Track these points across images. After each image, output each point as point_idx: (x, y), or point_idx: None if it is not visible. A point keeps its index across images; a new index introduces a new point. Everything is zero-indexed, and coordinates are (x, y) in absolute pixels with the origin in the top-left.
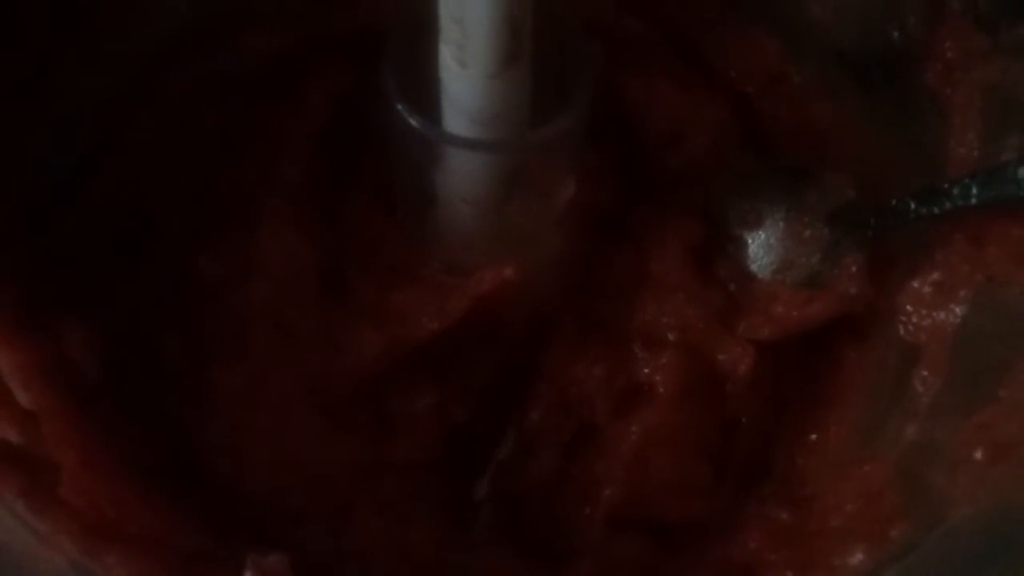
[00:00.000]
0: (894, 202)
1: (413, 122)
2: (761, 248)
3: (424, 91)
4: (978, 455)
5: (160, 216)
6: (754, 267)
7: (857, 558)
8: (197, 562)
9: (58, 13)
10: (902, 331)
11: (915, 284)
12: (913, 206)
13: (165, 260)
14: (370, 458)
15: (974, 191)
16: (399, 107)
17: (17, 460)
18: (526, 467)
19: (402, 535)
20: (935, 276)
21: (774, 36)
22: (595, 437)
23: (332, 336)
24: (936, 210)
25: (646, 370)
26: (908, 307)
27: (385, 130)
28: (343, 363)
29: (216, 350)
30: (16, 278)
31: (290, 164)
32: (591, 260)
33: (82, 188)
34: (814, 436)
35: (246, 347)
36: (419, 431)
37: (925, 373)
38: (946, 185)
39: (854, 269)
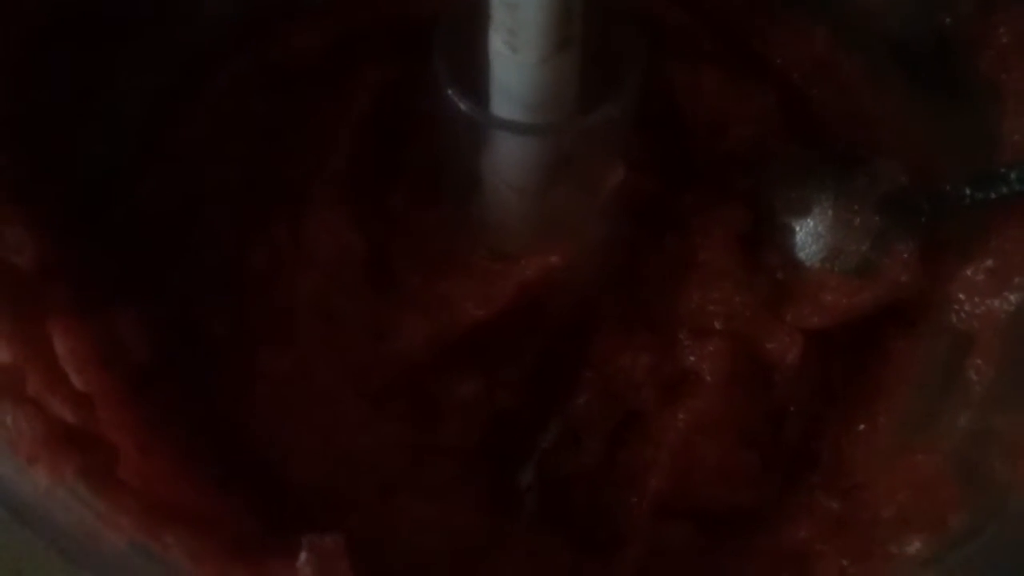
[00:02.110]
0: (948, 187)
1: (463, 106)
2: (809, 236)
3: (473, 78)
4: None
5: (210, 207)
6: (802, 255)
7: (915, 546)
8: (252, 543)
9: (110, 12)
10: (954, 319)
11: (968, 272)
12: (968, 191)
13: (214, 250)
14: (415, 444)
15: None
16: (449, 92)
17: (75, 440)
18: (572, 455)
19: (447, 520)
20: (988, 263)
21: (822, 23)
22: (641, 425)
23: (378, 323)
24: (992, 195)
25: (692, 358)
26: (960, 295)
27: (432, 118)
28: (388, 350)
29: (263, 338)
30: (72, 267)
31: (337, 154)
32: (636, 247)
33: (135, 180)
34: (862, 426)
35: (293, 335)
36: (464, 417)
37: (979, 362)
38: (1003, 170)
39: (905, 256)
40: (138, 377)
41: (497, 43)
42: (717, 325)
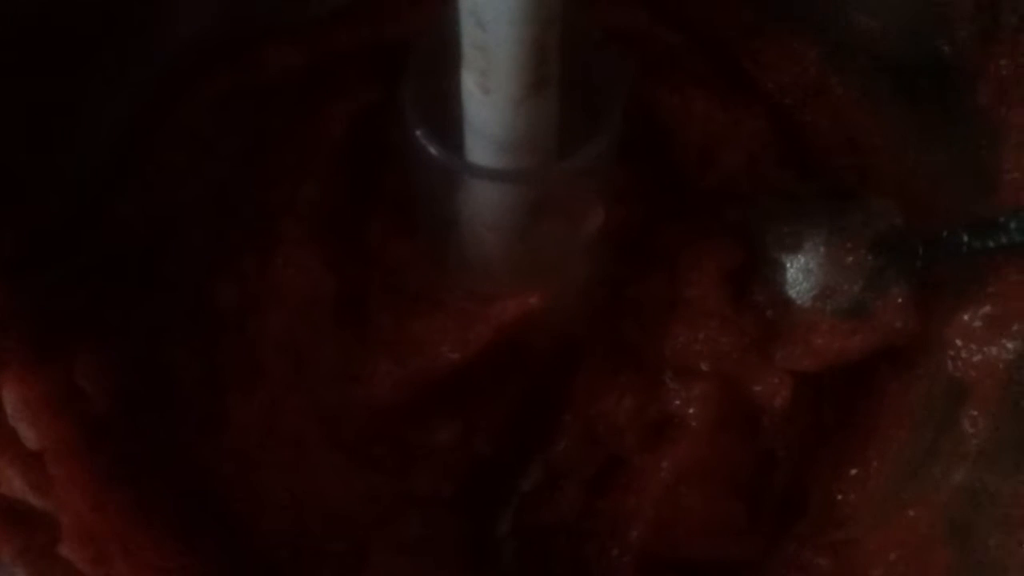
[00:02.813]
0: (945, 233)
1: (433, 150)
2: (800, 273)
3: (446, 115)
4: None
5: (179, 239)
6: (793, 293)
7: None
8: None
9: (82, 35)
10: (950, 366)
11: (965, 317)
12: (966, 239)
13: (182, 286)
14: (390, 494)
15: None
16: (418, 134)
17: (17, 519)
18: (551, 501)
19: (424, 574)
20: (987, 309)
21: (816, 46)
22: (624, 471)
23: (349, 366)
24: (991, 244)
25: (678, 401)
26: (957, 341)
27: (406, 153)
28: (360, 394)
29: (231, 380)
30: (29, 307)
31: (311, 184)
32: (620, 284)
33: (101, 212)
34: (854, 471)
35: (261, 377)
36: (440, 465)
37: (974, 413)
38: (1002, 219)
39: (899, 301)
40: (96, 427)
41: (469, 83)
42: (703, 366)
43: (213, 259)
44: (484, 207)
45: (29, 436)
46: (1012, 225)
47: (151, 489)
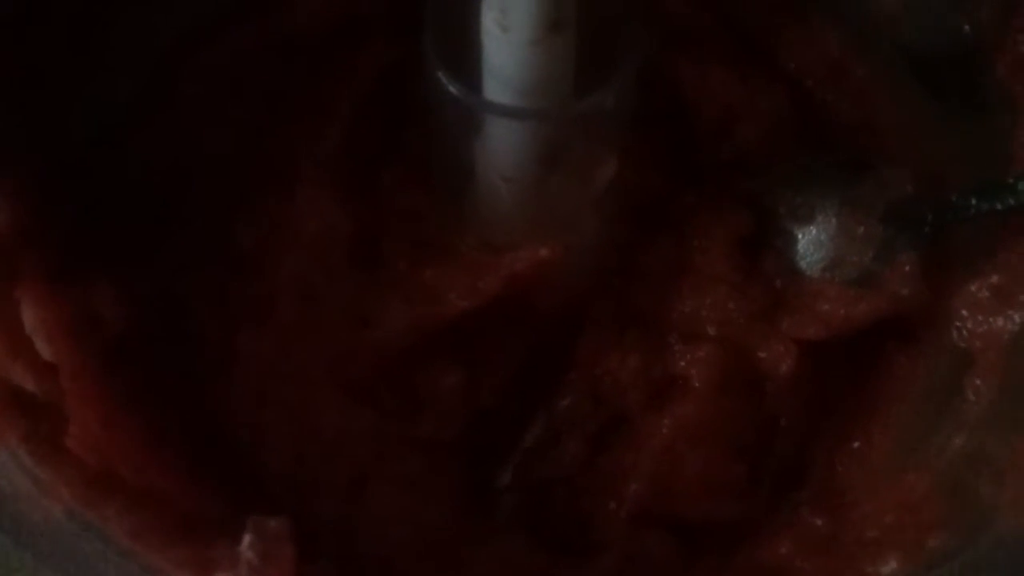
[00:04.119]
0: (954, 197)
1: (453, 89)
2: (811, 244)
3: (465, 60)
4: None
5: (200, 180)
6: (802, 263)
7: (890, 566)
8: (199, 523)
9: None
10: (955, 336)
11: (972, 287)
12: (974, 201)
13: (201, 225)
14: (392, 434)
15: None
16: (439, 74)
17: (24, 406)
18: (552, 456)
19: (420, 513)
20: (994, 279)
21: (837, 27)
22: (625, 429)
23: (361, 308)
24: (998, 206)
25: (682, 363)
26: (964, 311)
27: (426, 102)
28: (369, 337)
29: (244, 317)
30: (50, 235)
31: (331, 131)
32: (631, 247)
33: (124, 145)
34: (857, 443)
35: (274, 316)
36: (443, 410)
37: (978, 382)
38: (1010, 180)
39: (907, 268)
40: (110, 351)
41: (488, 22)
42: (710, 331)
43: (233, 199)
44: (500, 155)
45: (45, 351)
46: (1020, 186)
47: (161, 418)
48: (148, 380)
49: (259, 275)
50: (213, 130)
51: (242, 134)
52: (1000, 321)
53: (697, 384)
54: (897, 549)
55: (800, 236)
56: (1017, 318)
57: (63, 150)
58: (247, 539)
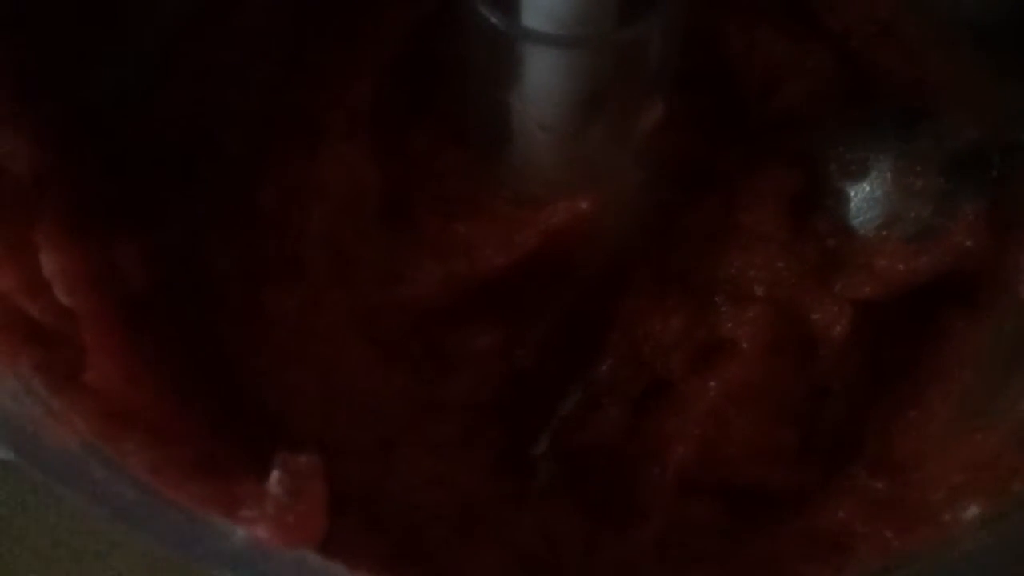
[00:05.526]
0: (1023, 137)
1: (492, 18)
2: (865, 202)
3: None
4: None
5: (226, 134)
6: (856, 223)
7: (972, 511)
8: (223, 460)
9: None
10: (1022, 292)
11: None
12: None
13: (226, 180)
14: (424, 396)
15: None
16: (477, 4)
17: (37, 335)
18: (591, 422)
19: (450, 478)
20: None
21: None
22: (669, 393)
23: (391, 265)
24: None
25: (729, 324)
26: None
27: (462, 52)
28: (401, 294)
29: (271, 274)
30: (73, 182)
31: (360, 87)
32: (674, 207)
33: (152, 99)
34: (914, 412)
35: (302, 272)
36: (478, 372)
37: None
38: None
39: (971, 219)
40: (133, 306)
41: None
42: (758, 291)
43: (259, 157)
44: (539, 98)
45: (65, 299)
46: None
47: (184, 375)
48: (170, 337)
49: (286, 232)
50: (240, 86)
51: (270, 90)
52: None
53: (745, 346)
54: (979, 495)
55: (853, 194)
56: None
57: (85, 103)
58: (275, 475)
